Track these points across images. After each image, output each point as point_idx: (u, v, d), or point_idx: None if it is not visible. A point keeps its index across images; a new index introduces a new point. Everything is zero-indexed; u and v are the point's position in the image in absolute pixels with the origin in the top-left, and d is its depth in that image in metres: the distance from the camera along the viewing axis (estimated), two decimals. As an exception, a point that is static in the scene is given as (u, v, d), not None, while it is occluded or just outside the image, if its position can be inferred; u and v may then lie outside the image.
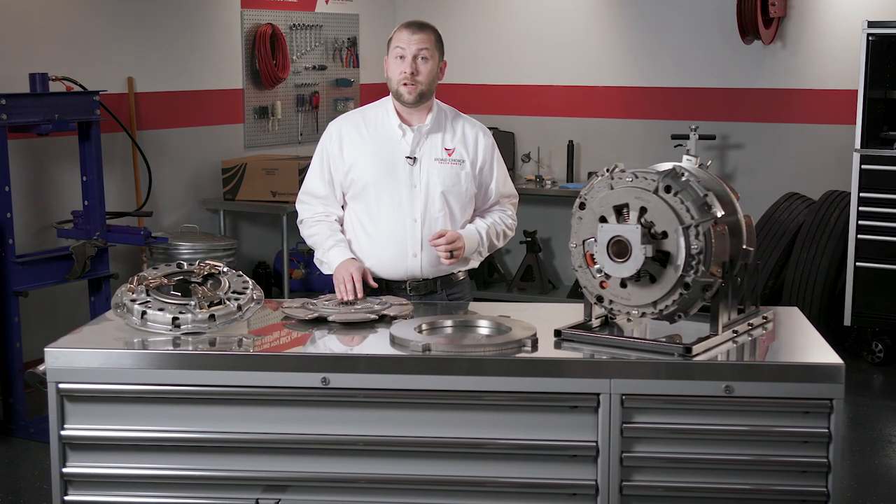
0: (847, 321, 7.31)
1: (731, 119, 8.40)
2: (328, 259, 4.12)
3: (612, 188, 3.30)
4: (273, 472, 3.29)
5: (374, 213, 4.11)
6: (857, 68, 7.19)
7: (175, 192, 7.70)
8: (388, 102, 4.19)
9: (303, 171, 7.40)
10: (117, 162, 7.19)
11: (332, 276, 4.09)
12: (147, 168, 7.05)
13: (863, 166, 7.18)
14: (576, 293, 8.52)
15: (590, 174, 8.69)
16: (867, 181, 7.17)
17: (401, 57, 4.05)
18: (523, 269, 8.92)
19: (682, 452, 3.20)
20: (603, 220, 3.29)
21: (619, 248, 3.23)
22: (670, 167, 3.29)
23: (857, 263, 7.23)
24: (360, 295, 3.89)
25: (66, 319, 6.59)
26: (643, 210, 3.21)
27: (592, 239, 3.30)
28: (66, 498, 3.34)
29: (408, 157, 4.12)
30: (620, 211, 3.27)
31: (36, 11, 6.62)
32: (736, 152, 8.44)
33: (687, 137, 8.12)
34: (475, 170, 4.20)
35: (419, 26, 4.09)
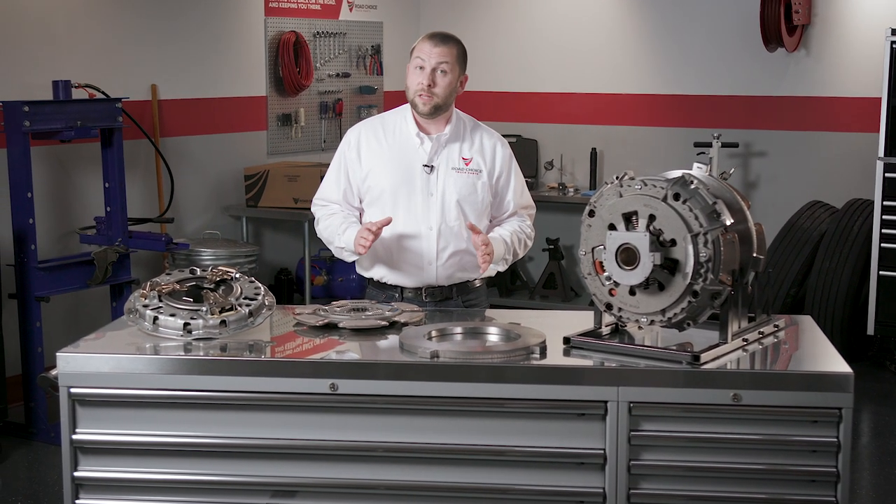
0: (870, 330, 7.26)
1: (755, 127, 8.37)
2: (345, 242, 4.12)
3: (621, 196, 3.30)
4: (281, 477, 3.30)
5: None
6: (881, 76, 7.15)
7: (197, 198, 7.74)
8: (407, 110, 4.21)
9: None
10: (140, 168, 7.24)
11: (368, 279, 4.22)
12: (169, 175, 7.10)
13: (886, 174, 7.14)
14: (598, 301, 8.49)
15: (605, 182, 8.66)
16: (891, 189, 7.13)
17: (420, 67, 4.06)
18: (546, 277, 8.91)
19: (690, 461, 3.19)
20: (612, 227, 3.29)
21: (627, 256, 3.22)
22: (679, 175, 3.29)
23: (881, 272, 7.19)
24: (372, 229, 3.94)
25: (87, 325, 6.60)
26: (652, 218, 3.21)
27: (601, 246, 3.30)
28: (78, 502, 3.36)
29: (425, 166, 4.13)
30: (629, 218, 3.27)
31: (59, 19, 6.68)
32: (759, 160, 8.40)
33: (710, 145, 8.10)
34: (492, 180, 4.20)
35: (442, 39, 4.09)
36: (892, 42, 7.05)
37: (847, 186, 7.92)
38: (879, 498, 5.33)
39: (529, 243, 4.34)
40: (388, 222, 4.00)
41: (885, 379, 7.18)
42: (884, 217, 7.15)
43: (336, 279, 8.23)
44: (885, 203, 7.15)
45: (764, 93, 8.33)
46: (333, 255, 8.11)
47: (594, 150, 8.85)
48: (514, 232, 4.23)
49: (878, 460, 5.81)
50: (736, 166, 8.26)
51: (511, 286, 9.04)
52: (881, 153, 7.16)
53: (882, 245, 7.17)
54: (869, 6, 7.90)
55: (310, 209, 7.38)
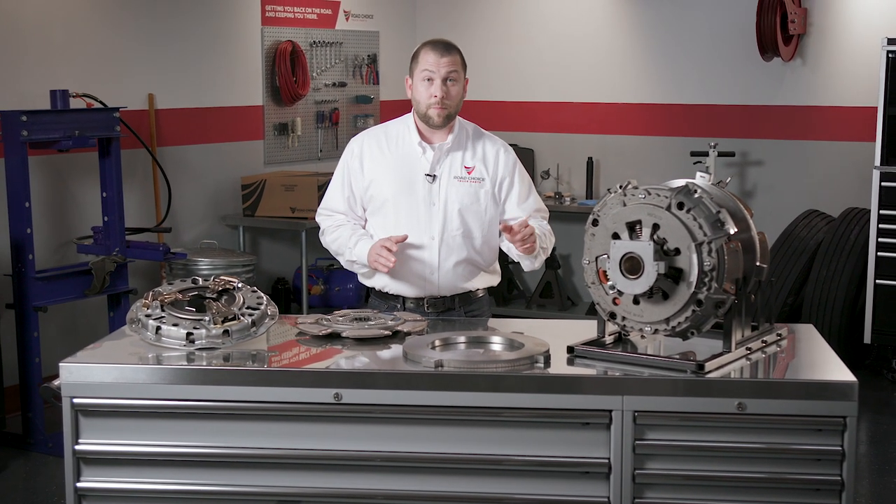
0: (867, 339, 7.28)
1: (751, 136, 8.39)
2: (357, 255, 4.11)
3: (624, 205, 3.30)
4: (285, 487, 3.29)
5: (392, 229, 4.10)
6: (877, 85, 7.18)
7: (195, 208, 7.73)
8: (409, 119, 4.20)
9: (322, 188, 7.43)
10: (137, 178, 7.23)
11: (370, 288, 4.23)
12: (167, 184, 7.09)
13: (883, 184, 7.16)
14: (595, 310, 8.48)
15: (609, 191, 8.66)
16: (887, 198, 7.15)
17: (429, 80, 4.04)
18: (542, 286, 8.91)
19: (695, 470, 3.18)
20: (616, 236, 3.29)
21: (631, 265, 3.22)
22: (683, 184, 3.29)
23: (878, 281, 7.20)
24: (393, 248, 3.93)
25: (85, 335, 6.61)
26: (656, 227, 3.21)
27: (605, 255, 3.30)
28: (80, 513, 3.36)
29: (427, 175, 4.13)
30: (633, 227, 3.27)
31: (57, 28, 6.68)
32: (756, 169, 8.42)
33: (706, 154, 8.11)
34: (495, 187, 4.19)
35: (446, 48, 4.07)
36: (888, 51, 7.08)
37: (843, 195, 7.94)
38: (879, 506, 5.34)
39: (552, 238, 4.31)
40: (403, 239, 4.02)
41: (882, 387, 7.19)
42: (880, 226, 7.17)
43: (333, 289, 8.23)
44: (881, 212, 7.17)
45: (760, 102, 8.35)
46: (331, 265, 8.18)
47: (590, 159, 8.86)
48: (538, 226, 4.18)
49: (877, 469, 5.82)
50: (732, 175, 8.28)
51: (508, 295, 9.04)
52: (877, 162, 7.18)
53: (879, 254, 7.19)
54: (864, 16, 7.92)
55: (307, 219, 7.53)
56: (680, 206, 3.19)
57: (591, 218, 3.37)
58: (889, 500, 5.43)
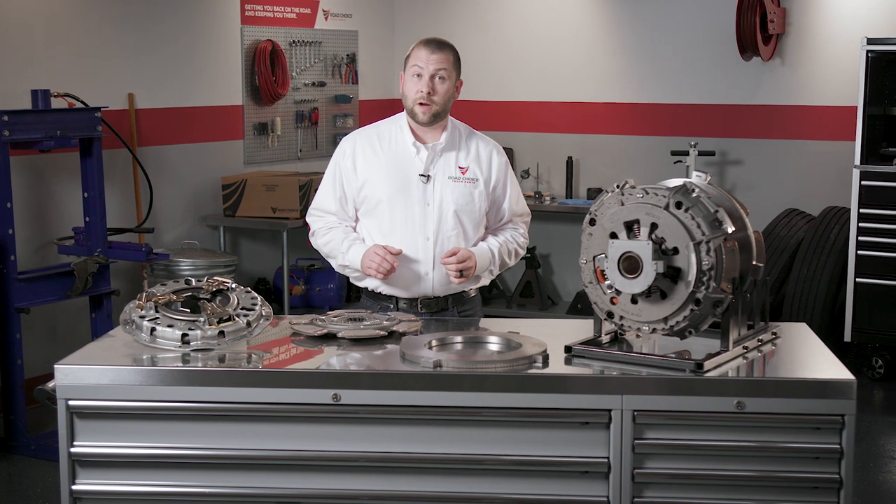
0: (847, 337, 7.31)
1: (731, 135, 8.42)
2: (350, 260, 4.11)
3: (622, 204, 3.30)
4: (283, 488, 3.27)
5: (387, 230, 4.10)
6: (856, 85, 7.22)
7: (175, 208, 7.69)
8: (402, 119, 4.19)
9: (303, 188, 7.42)
10: (118, 178, 7.18)
11: (362, 289, 4.23)
12: (148, 184, 7.05)
13: (862, 182, 7.20)
14: (575, 309, 8.52)
15: (589, 190, 8.70)
16: (867, 197, 7.19)
17: (418, 75, 4.05)
18: (522, 285, 8.92)
19: (694, 469, 3.19)
20: (614, 236, 3.29)
21: (629, 264, 3.22)
22: (681, 183, 3.29)
23: (858, 279, 7.24)
24: (392, 260, 3.96)
25: (67, 336, 6.60)
26: (654, 226, 3.21)
27: (603, 255, 3.30)
28: (76, 515, 3.33)
29: (421, 175, 4.12)
30: (631, 227, 3.27)
31: (38, 28, 6.63)
32: (735, 168, 8.45)
33: (687, 154, 8.14)
34: (488, 188, 4.20)
35: (438, 45, 4.07)
36: (868, 51, 7.12)
37: (823, 194, 7.98)
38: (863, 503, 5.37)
39: (521, 252, 4.34)
40: (398, 252, 4.04)
41: (862, 385, 7.18)
42: (860, 225, 7.21)
43: (314, 289, 8.21)
44: (861, 211, 7.21)
45: (740, 101, 8.38)
46: (312, 265, 8.15)
47: (570, 158, 8.87)
48: (504, 243, 4.24)
49: (860, 466, 5.85)
50: (712, 174, 8.28)
51: (488, 295, 9.04)
52: (857, 161, 7.22)
53: (858, 252, 7.23)
54: (844, 15, 7.96)
55: (288, 219, 7.50)
56: (678, 205, 3.19)
57: (588, 217, 3.37)
58: (872, 496, 5.47)
